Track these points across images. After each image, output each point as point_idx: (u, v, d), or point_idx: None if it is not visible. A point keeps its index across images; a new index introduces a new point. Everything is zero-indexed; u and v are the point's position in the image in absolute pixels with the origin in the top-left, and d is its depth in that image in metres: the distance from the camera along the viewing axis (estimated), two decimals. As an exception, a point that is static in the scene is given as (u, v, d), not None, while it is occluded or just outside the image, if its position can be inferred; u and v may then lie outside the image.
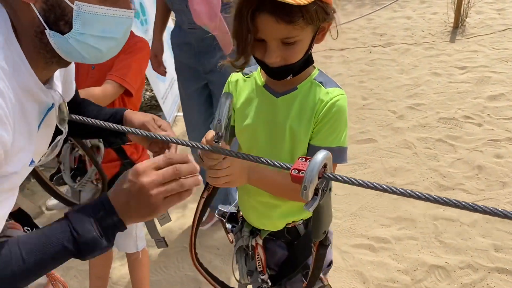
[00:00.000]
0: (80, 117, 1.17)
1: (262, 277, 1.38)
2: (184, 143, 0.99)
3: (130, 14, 0.90)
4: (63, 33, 0.85)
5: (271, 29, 1.02)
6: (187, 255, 2.51)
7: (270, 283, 1.39)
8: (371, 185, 0.77)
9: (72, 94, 1.24)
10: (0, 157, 0.81)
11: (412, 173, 3.01)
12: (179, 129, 3.75)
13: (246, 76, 1.28)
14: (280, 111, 1.20)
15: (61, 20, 0.84)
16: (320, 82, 1.19)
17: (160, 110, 3.73)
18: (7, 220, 1.12)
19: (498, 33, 4.92)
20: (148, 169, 0.83)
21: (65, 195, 1.73)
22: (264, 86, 1.23)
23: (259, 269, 1.38)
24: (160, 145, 1.18)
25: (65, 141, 1.82)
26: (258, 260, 1.37)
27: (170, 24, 3.91)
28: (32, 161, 0.99)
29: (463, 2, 5.03)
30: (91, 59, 0.92)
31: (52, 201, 2.96)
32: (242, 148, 1.31)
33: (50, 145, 1.09)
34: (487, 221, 2.55)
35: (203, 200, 1.31)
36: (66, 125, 1.11)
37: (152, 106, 4.07)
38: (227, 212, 1.51)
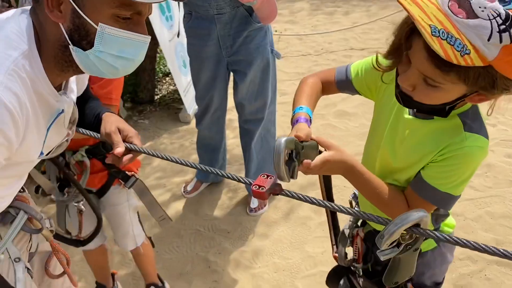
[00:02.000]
0: (80, 129, 1.33)
1: (357, 265, 1.38)
2: (195, 167, 1.10)
3: (146, 39, 1.04)
4: (84, 50, 0.99)
5: (419, 60, 0.92)
6: (199, 237, 2.68)
7: (361, 273, 1.38)
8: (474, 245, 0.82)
9: (83, 89, 1.38)
10: (5, 150, 0.95)
11: (422, 170, 3.08)
12: (199, 122, 3.92)
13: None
14: (404, 129, 1.13)
15: (84, 39, 0.98)
16: (464, 122, 1.04)
17: (182, 103, 3.90)
18: (19, 192, 1.29)
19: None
20: None
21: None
22: None
23: (355, 256, 1.37)
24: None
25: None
26: (355, 249, 1.36)
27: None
28: (42, 153, 1.15)
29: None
30: (107, 75, 1.06)
31: None
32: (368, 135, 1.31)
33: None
34: (491, 217, 2.61)
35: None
36: (74, 128, 1.26)
37: (175, 100, 4.24)
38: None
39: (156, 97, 4.32)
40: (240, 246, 2.58)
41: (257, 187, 0.93)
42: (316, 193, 2.68)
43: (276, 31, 5.55)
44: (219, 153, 2.92)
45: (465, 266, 2.31)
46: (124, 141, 1.25)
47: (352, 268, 1.42)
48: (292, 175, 0.96)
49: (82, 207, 1.78)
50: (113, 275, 2.32)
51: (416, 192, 1.11)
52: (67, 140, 1.27)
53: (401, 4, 0.85)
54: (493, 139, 3.29)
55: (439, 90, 0.94)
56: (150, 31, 3.78)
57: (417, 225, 0.85)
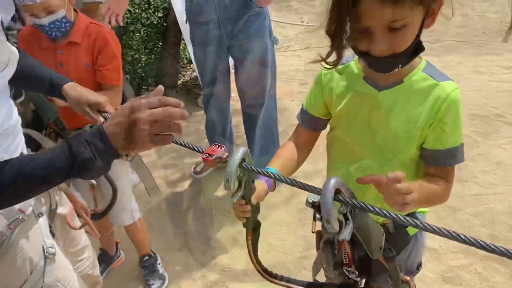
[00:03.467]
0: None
1: (349, 268, 1.34)
2: (194, 148, 1.08)
3: None
4: None
5: (377, 14, 0.94)
6: (202, 214, 2.80)
7: (357, 273, 1.34)
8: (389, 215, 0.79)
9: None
10: None
11: (430, 164, 3.07)
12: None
13: (342, 66, 1.19)
14: (381, 106, 1.12)
15: None
16: (430, 75, 1.09)
17: (201, 89, 4.02)
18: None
19: (557, 35, 4.73)
20: (142, 107, 0.88)
21: None
22: (364, 77, 1.15)
23: (345, 262, 1.34)
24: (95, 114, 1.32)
25: None
26: (344, 254, 1.33)
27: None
28: None
29: (521, 1, 4.87)
30: None
31: None
32: (334, 144, 1.29)
33: None
34: (492, 213, 2.59)
35: (249, 241, 1.30)
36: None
37: (196, 85, 4.38)
38: (316, 202, 1.43)
39: (178, 82, 4.47)
40: (239, 226, 2.68)
41: (207, 155, 0.99)
42: (321, 181, 2.75)
43: (303, 21, 5.59)
44: (225, 137, 3.02)
45: (457, 259, 2.32)
46: (99, 111, 1.33)
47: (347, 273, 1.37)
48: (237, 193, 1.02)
49: (93, 181, 1.84)
50: (117, 244, 2.48)
51: (443, 165, 1.13)
52: None
53: None
54: (507, 137, 3.24)
55: (407, 27, 0.96)
56: (173, 18, 3.91)
57: (338, 191, 0.84)
